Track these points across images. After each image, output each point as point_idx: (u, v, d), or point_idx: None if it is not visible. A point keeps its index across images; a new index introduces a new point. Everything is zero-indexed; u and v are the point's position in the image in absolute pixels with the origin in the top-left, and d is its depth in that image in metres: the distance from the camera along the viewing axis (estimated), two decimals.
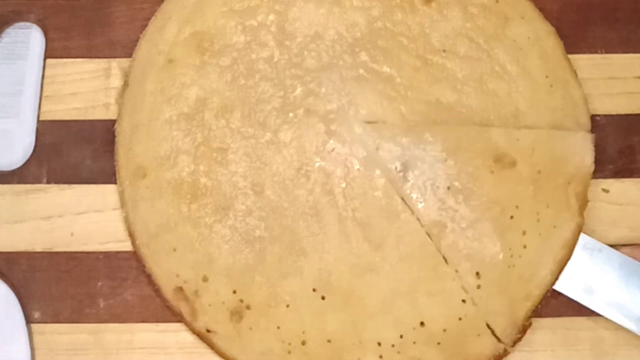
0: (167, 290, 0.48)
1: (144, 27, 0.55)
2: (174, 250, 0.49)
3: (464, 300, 0.47)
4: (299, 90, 0.51)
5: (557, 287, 0.48)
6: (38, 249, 0.50)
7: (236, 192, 0.49)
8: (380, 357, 0.46)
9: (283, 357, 0.47)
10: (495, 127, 0.50)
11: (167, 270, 0.49)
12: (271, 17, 0.53)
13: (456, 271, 0.47)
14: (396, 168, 0.49)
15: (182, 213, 0.49)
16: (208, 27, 0.53)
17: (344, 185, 0.49)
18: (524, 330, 0.47)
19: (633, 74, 0.55)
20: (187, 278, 0.48)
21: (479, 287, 0.47)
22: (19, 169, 0.52)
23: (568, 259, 0.48)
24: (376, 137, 0.50)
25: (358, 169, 0.49)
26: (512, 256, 0.48)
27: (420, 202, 0.49)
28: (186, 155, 0.50)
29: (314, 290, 0.47)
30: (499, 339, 0.47)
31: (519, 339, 0.47)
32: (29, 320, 0.48)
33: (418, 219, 0.48)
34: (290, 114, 0.51)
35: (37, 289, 0.49)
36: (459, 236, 0.48)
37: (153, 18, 0.55)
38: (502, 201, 0.49)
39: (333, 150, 0.50)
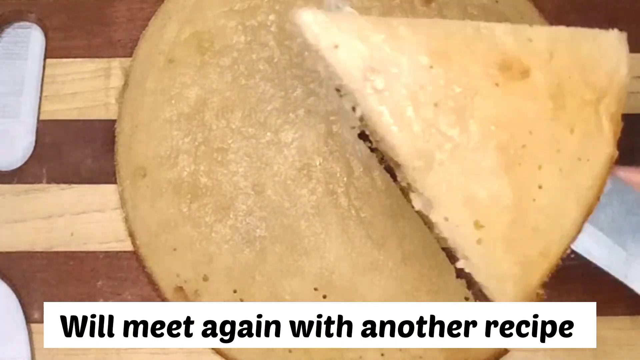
0: (167, 290, 0.48)
1: (144, 27, 0.55)
2: (174, 249, 0.49)
3: (466, 298, 0.47)
4: (299, 91, 0.51)
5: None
6: (38, 249, 0.50)
7: (237, 192, 0.49)
8: (382, 355, 0.46)
9: (284, 356, 0.46)
10: (501, 23, 0.37)
11: (167, 270, 0.48)
12: (271, 17, 0.53)
13: (446, 219, 0.35)
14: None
15: (182, 213, 0.49)
16: (208, 27, 0.53)
17: (346, 184, 0.49)
18: (538, 301, 0.38)
19: (633, 73, 0.54)
20: (187, 278, 0.48)
21: (479, 241, 0.36)
22: (19, 169, 0.52)
23: (595, 204, 0.37)
24: None
25: (361, 169, 0.49)
26: (523, 199, 0.36)
27: (394, 125, 0.35)
28: (186, 155, 0.50)
29: (315, 289, 0.47)
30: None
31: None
32: (29, 320, 0.48)
33: (393, 146, 0.35)
34: (291, 114, 0.51)
35: (37, 289, 0.49)
36: (451, 172, 0.35)
37: (153, 18, 0.55)
38: (511, 124, 0.36)
39: (335, 150, 0.50)
